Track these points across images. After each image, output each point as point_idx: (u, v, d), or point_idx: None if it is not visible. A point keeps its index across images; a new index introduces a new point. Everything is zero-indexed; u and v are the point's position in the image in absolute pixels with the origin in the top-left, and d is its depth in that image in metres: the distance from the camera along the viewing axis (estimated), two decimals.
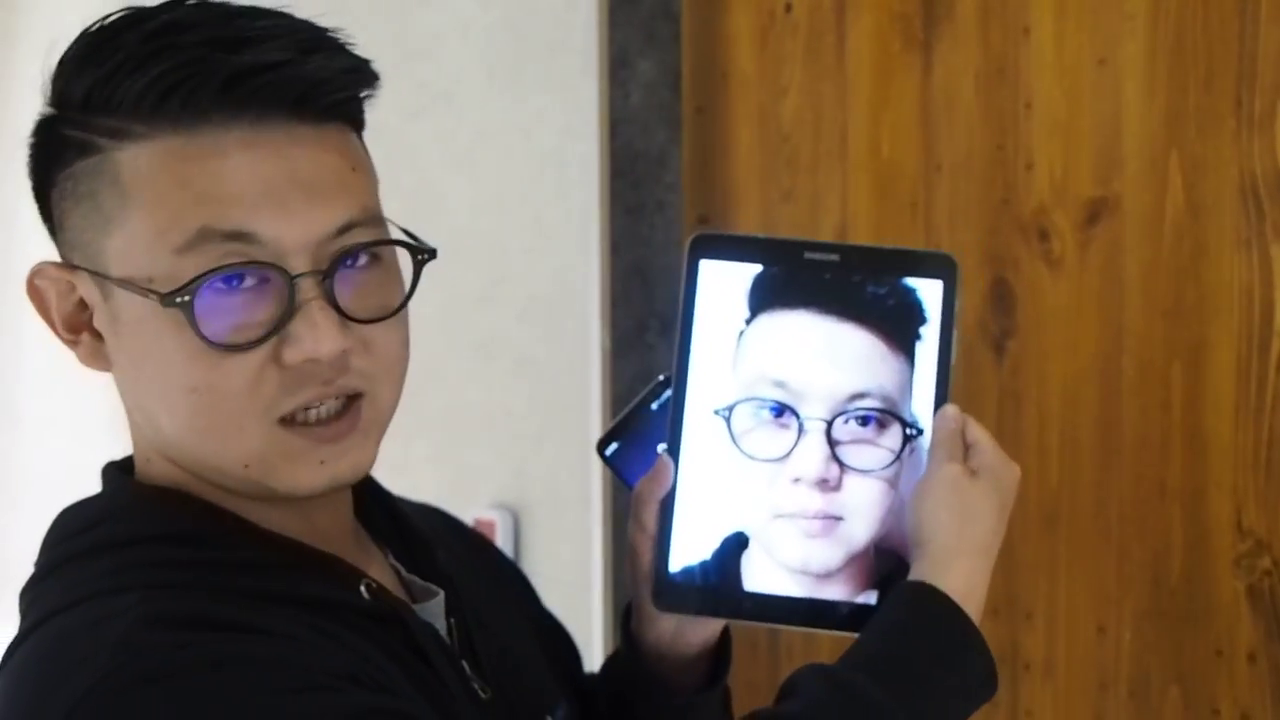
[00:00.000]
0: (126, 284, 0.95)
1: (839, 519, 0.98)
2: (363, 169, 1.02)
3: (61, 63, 0.98)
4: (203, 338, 0.93)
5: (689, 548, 1.02)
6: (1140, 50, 1.49)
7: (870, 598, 0.98)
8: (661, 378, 1.10)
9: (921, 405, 0.97)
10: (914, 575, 0.96)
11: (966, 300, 1.63)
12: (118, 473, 1.06)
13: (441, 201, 2.06)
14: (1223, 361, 1.43)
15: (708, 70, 1.88)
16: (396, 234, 1.04)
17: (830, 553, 0.99)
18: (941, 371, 0.97)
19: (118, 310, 0.97)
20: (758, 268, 1.00)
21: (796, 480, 0.98)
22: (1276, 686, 1.42)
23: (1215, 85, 1.43)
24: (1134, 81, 1.50)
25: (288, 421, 0.97)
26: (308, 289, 0.95)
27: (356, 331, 0.98)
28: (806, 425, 0.98)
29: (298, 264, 0.95)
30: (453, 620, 1.07)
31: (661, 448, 1.04)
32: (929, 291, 0.98)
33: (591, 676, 1.28)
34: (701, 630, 1.10)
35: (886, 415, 0.97)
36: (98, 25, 0.97)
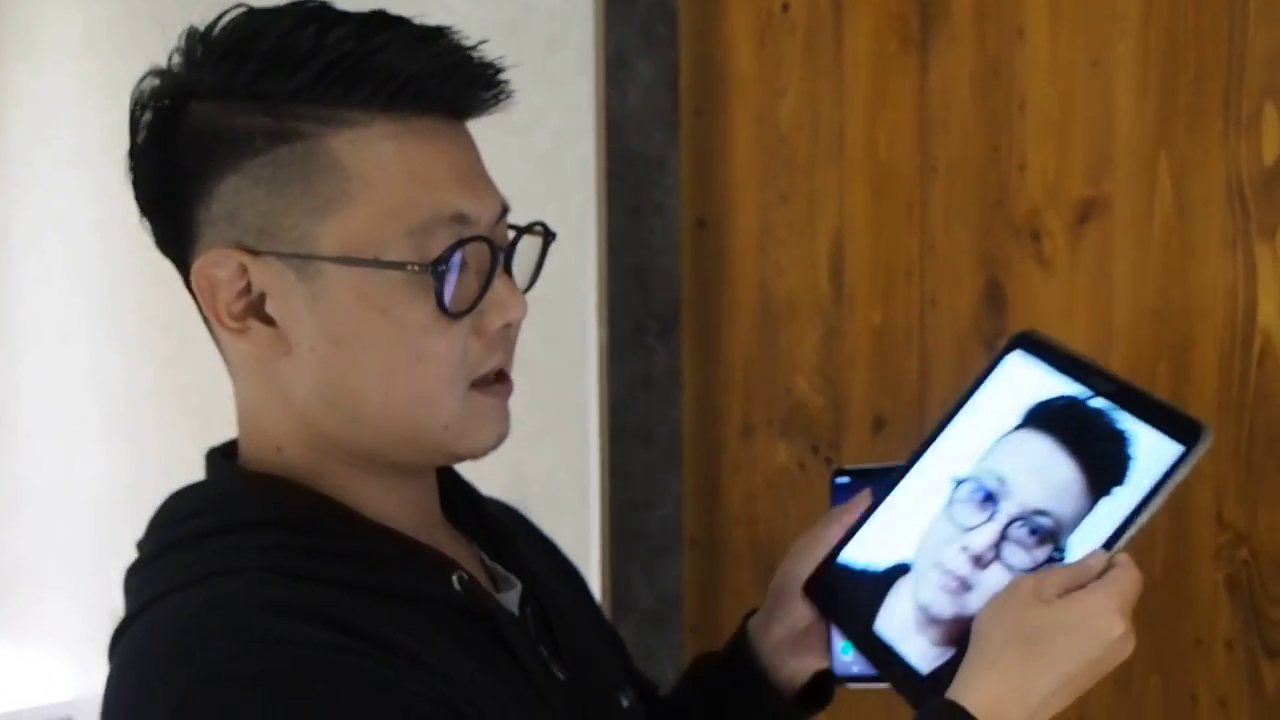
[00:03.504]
0: (351, 261, 1.01)
1: (969, 588, 1.09)
2: None
3: (229, 53, 1.02)
4: (444, 307, 1.01)
5: (865, 551, 1.16)
6: (1132, 51, 1.50)
7: (946, 654, 1.08)
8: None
9: (1084, 538, 1.05)
10: (955, 684, 1.03)
11: (962, 302, 1.64)
12: (223, 459, 1.12)
13: None
14: (1207, 359, 1.44)
15: (706, 71, 1.89)
16: None
17: (948, 606, 1.10)
18: (1126, 522, 1.03)
19: (325, 289, 1.02)
20: (1049, 386, 1.11)
21: (964, 549, 1.10)
22: (1253, 674, 1.43)
23: (1204, 86, 1.44)
24: (1125, 82, 1.50)
25: (477, 385, 1.05)
26: (498, 263, 1.04)
27: None
28: (996, 516, 1.10)
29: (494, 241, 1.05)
30: (528, 609, 1.14)
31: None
32: (1157, 452, 1.03)
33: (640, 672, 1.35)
34: (802, 661, 1.23)
35: (1048, 535, 1.07)
36: (271, 19, 1.02)
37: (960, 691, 1.02)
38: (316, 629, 0.96)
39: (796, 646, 1.24)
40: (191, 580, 1.01)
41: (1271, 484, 1.39)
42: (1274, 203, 1.39)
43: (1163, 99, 1.47)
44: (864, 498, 1.22)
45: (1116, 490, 1.04)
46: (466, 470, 2.07)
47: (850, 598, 1.16)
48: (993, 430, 1.13)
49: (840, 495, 1.27)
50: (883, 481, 1.19)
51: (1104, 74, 1.52)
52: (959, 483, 1.13)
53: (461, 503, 1.21)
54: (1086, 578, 1.03)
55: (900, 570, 1.13)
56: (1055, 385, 1.11)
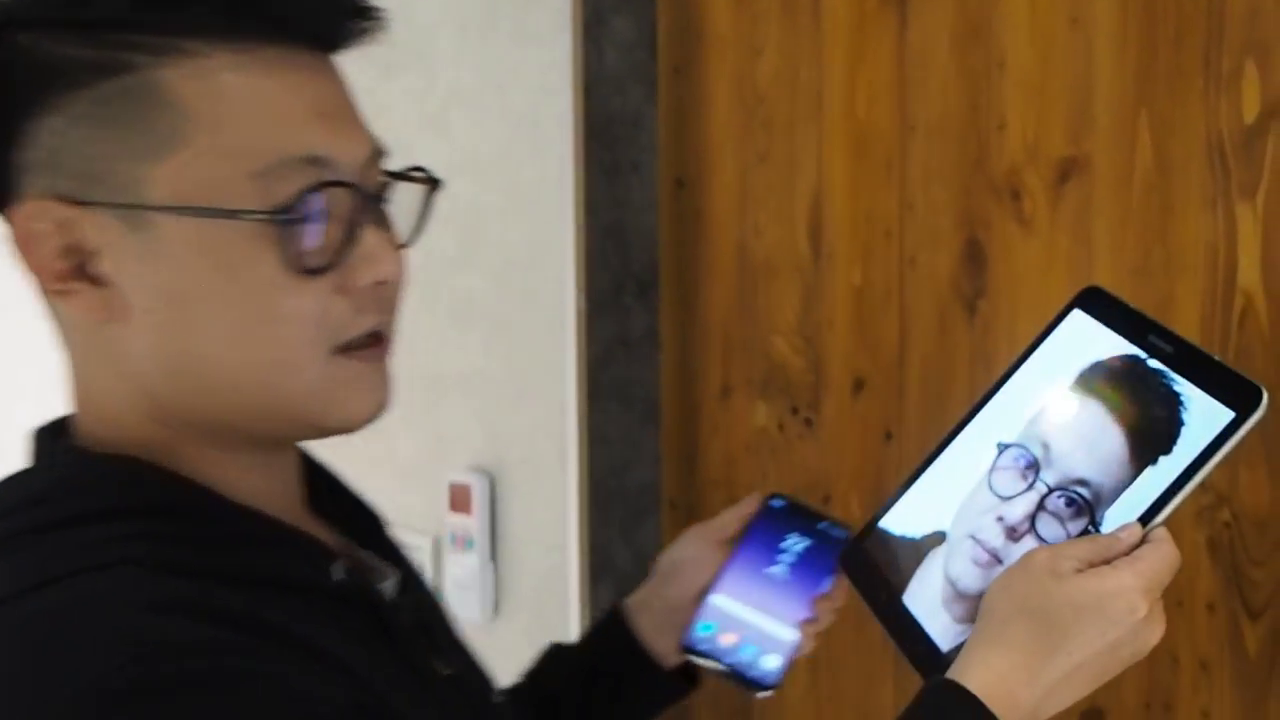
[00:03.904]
0: (190, 210, 0.90)
1: (1001, 562, 1.03)
2: None
3: None
4: (296, 262, 0.91)
5: (907, 517, 1.12)
6: (1111, 8, 1.48)
7: (969, 632, 1.02)
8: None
9: (1122, 511, 0.99)
10: (958, 659, 0.98)
11: (942, 262, 1.63)
12: (54, 440, 0.99)
13: (414, 163, 2.05)
14: (1188, 319, 1.43)
15: (684, 29, 1.88)
16: None
17: (976, 580, 1.03)
18: (1167, 494, 0.97)
19: (159, 243, 0.90)
20: (1105, 346, 1.05)
21: (1000, 519, 1.04)
22: (1235, 636, 1.43)
23: (1184, 43, 1.42)
24: (1105, 40, 1.49)
25: (343, 350, 0.95)
26: (369, 212, 0.96)
27: None
28: (1036, 485, 1.03)
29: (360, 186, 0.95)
30: (405, 599, 1.06)
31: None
32: (1208, 418, 0.97)
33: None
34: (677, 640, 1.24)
35: (1086, 507, 1.00)
36: None
37: (962, 668, 0.96)
38: (213, 629, 0.85)
39: (675, 625, 1.26)
40: (44, 580, 0.87)
41: (1252, 445, 1.39)
42: (1255, 161, 1.39)
43: (1143, 57, 1.46)
44: (749, 512, 1.27)
45: (1163, 459, 0.97)
46: (443, 433, 2.06)
47: (884, 566, 1.12)
48: (1045, 392, 1.07)
49: (765, 517, 1.30)
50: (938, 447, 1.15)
51: (1084, 32, 1.51)
52: (1003, 448, 1.07)
53: (321, 486, 1.11)
54: (1113, 552, 0.96)
55: (937, 539, 1.08)
56: (1112, 345, 1.04)
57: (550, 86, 1.87)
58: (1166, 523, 0.97)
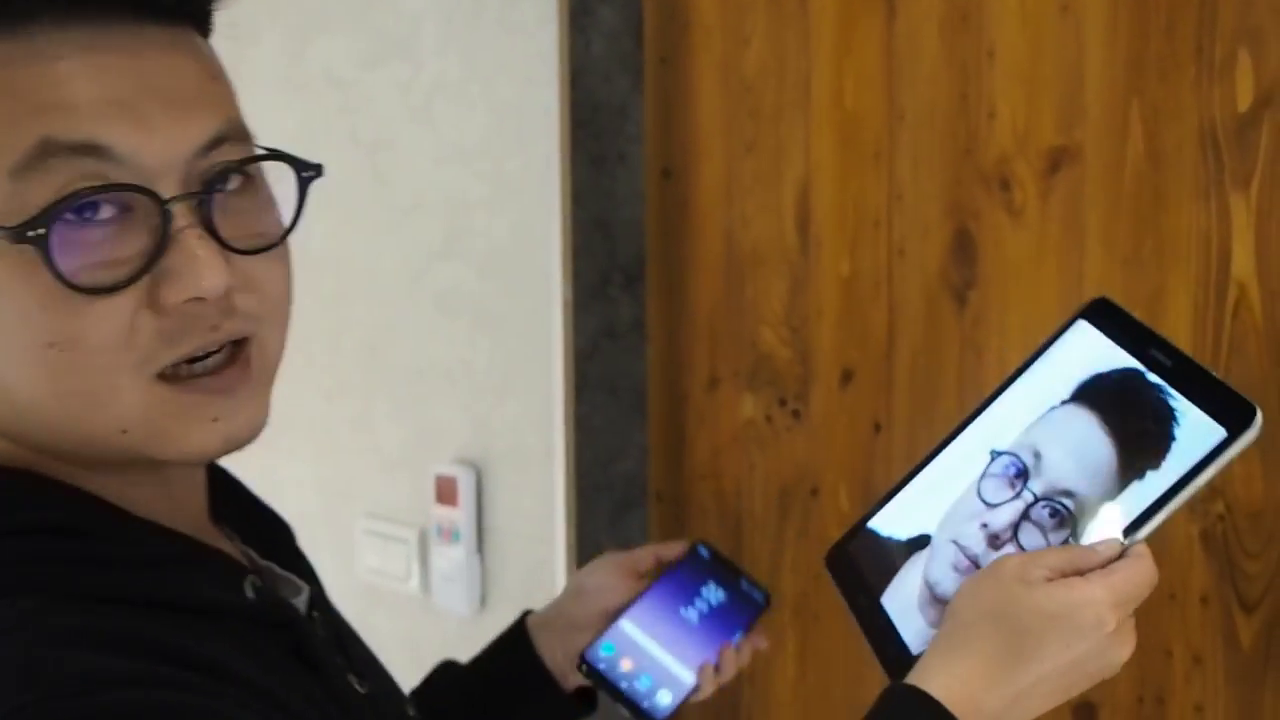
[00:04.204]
0: None
1: (979, 568, 1.01)
2: (223, 78, 0.90)
3: None
4: (61, 279, 0.79)
5: (895, 518, 1.11)
6: None
7: None
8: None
9: (1103, 524, 0.98)
10: (920, 663, 0.96)
11: (931, 252, 1.62)
12: None
13: (400, 154, 2.03)
14: (1180, 309, 1.42)
15: (670, 18, 1.86)
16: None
17: (953, 586, 1.01)
18: (1151, 509, 0.95)
19: None
20: (1106, 358, 1.04)
21: (983, 526, 1.02)
22: (1228, 628, 1.42)
23: (1176, 31, 1.41)
24: (1096, 28, 1.48)
25: (168, 377, 0.85)
26: (181, 216, 0.82)
27: (237, 265, 0.85)
28: (1023, 494, 1.01)
29: (166, 187, 0.82)
30: (317, 614, 1.00)
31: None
32: (1199, 435, 0.95)
33: None
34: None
35: (1068, 516, 0.99)
36: None
37: (923, 672, 0.93)
38: (125, 660, 0.78)
39: (575, 645, 1.28)
40: None
41: None
42: (1248, 150, 1.38)
43: (1134, 45, 1.45)
44: (672, 555, 1.32)
45: (1150, 474, 0.96)
46: (428, 425, 2.05)
47: (867, 566, 1.11)
48: (1043, 402, 1.06)
49: (688, 560, 1.35)
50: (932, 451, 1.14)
51: (1074, 20, 1.49)
52: (995, 455, 1.06)
53: (222, 496, 1.02)
54: (1087, 564, 0.94)
55: (922, 542, 1.07)
56: (1113, 358, 1.03)
57: (536, 76, 1.85)
58: (1150, 538, 0.96)
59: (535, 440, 1.91)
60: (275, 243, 0.89)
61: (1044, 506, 1.00)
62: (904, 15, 1.64)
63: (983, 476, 1.05)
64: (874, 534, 1.12)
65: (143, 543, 0.87)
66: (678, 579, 1.33)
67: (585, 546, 1.88)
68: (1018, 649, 0.92)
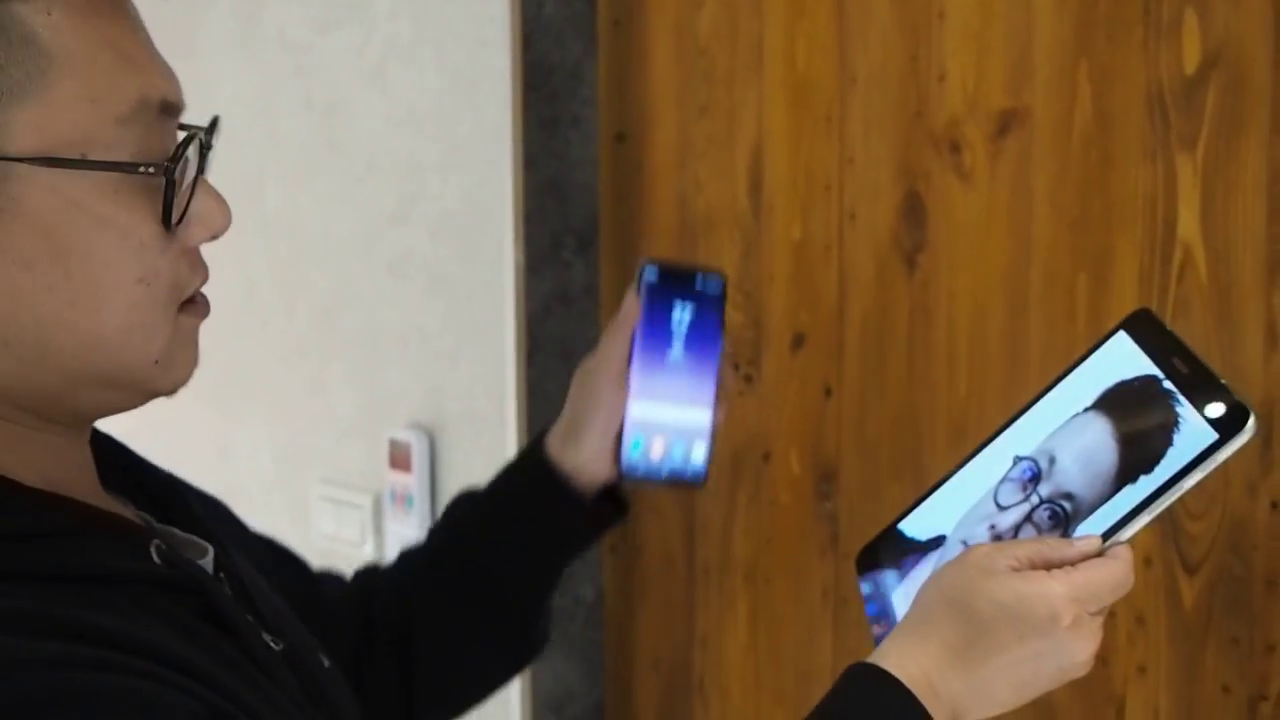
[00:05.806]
0: (59, 162, 0.83)
1: None
2: None
3: None
4: (168, 218, 0.87)
5: (921, 520, 1.11)
6: None
7: None
8: None
9: (1091, 526, 0.99)
10: (880, 645, 0.97)
11: (882, 215, 1.62)
12: None
13: (352, 118, 2.02)
14: (1127, 272, 1.43)
15: None
16: None
17: None
18: (1135, 510, 0.96)
19: (17, 198, 0.82)
20: (1130, 367, 1.03)
21: (991, 527, 1.03)
22: (1171, 590, 1.43)
23: None
24: None
25: (182, 308, 0.92)
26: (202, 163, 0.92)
27: None
28: (1031, 498, 1.02)
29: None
30: (223, 575, 0.99)
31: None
32: (1191, 439, 0.96)
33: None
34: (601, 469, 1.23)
35: (1064, 518, 1.00)
36: None
37: (881, 653, 0.95)
38: (43, 641, 0.77)
39: (599, 455, 1.24)
40: None
41: None
42: (1194, 112, 1.38)
43: (1082, 6, 1.45)
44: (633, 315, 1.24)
45: (1142, 478, 0.97)
46: (382, 390, 2.04)
47: (889, 565, 1.12)
48: (1069, 409, 1.06)
49: (649, 298, 1.26)
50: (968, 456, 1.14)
51: None
52: (1017, 460, 1.06)
53: (109, 461, 1.01)
54: (1057, 558, 0.94)
55: (939, 542, 1.09)
56: (1137, 365, 1.03)
57: (488, 39, 1.84)
58: (1132, 540, 0.97)
59: (488, 405, 1.91)
60: None
61: (1045, 509, 1.01)
62: None
63: (1002, 480, 1.06)
64: (901, 535, 1.12)
65: (43, 512, 0.86)
66: (649, 330, 1.26)
67: None
68: (973, 636, 0.93)
